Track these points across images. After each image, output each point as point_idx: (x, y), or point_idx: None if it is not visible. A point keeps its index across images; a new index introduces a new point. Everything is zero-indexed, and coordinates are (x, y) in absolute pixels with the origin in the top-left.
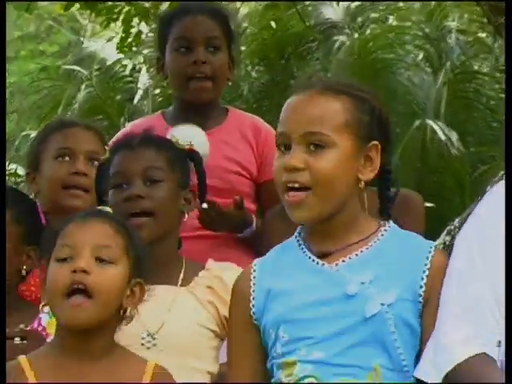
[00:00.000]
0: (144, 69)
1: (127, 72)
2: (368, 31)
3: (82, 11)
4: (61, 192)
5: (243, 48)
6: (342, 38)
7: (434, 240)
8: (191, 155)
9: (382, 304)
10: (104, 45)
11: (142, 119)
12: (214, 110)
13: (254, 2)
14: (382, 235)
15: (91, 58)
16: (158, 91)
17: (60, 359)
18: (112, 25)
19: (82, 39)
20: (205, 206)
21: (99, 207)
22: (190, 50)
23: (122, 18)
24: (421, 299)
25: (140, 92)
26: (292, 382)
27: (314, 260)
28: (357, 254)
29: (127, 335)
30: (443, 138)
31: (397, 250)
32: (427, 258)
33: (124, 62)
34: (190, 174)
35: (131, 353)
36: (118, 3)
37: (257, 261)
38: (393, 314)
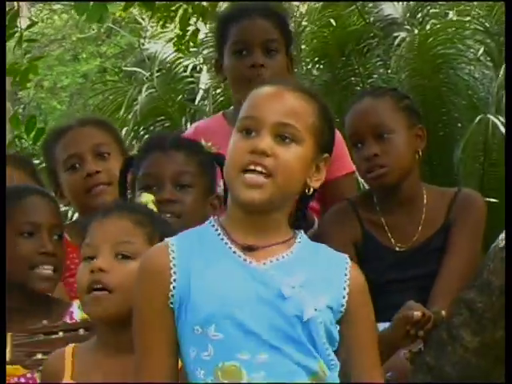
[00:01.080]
0: (205, 69)
1: (188, 73)
2: (428, 27)
3: (141, 10)
4: (85, 196)
5: (303, 46)
6: (402, 34)
7: (496, 235)
8: (218, 159)
9: (315, 309)
10: (164, 46)
11: (204, 121)
12: None
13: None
14: (299, 242)
15: (152, 59)
16: (218, 91)
17: (97, 351)
18: (171, 26)
19: (142, 41)
20: None
21: (142, 197)
22: (247, 53)
23: (179, 16)
24: (342, 309)
25: (201, 92)
26: None
27: (239, 255)
28: (283, 256)
29: None
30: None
31: (315, 259)
32: (346, 269)
33: (185, 63)
34: (216, 178)
35: None
36: (175, 2)
37: (172, 239)
38: (322, 319)
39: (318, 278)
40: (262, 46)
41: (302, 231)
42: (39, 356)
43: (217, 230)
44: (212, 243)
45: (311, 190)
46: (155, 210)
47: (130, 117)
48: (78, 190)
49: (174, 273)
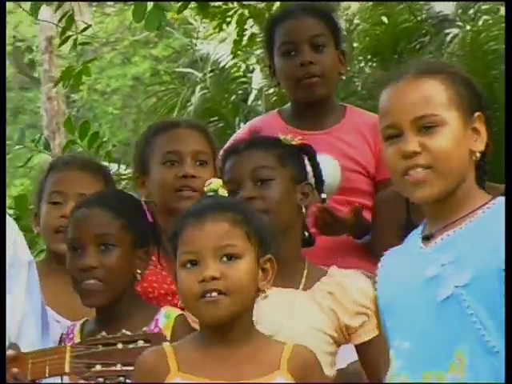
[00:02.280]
0: (258, 69)
1: (241, 73)
2: (480, 23)
3: (194, 13)
4: (173, 195)
5: (355, 44)
6: (453, 30)
7: None
8: (304, 149)
9: (456, 286)
10: (217, 46)
11: (260, 118)
12: (330, 108)
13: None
14: (483, 212)
15: (204, 60)
16: (271, 91)
17: (201, 344)
18: (224, 25)
19: (194, 41)
20: (324, 196)
21: (209, 184)
22: (296, 52)
23: (235, 20)
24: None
25: (254, 92)
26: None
27: (419, 245)
28: (454, 231)
29: None
30: None
31: (491, 225)
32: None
33: (237, 63)
34: (304, 168)
35: (268, 337)
36: (231, 6)
37: (390, 249)
38: (469, 295)
39: (477, 246)
40: (309, 43)
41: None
42: (98, 367)
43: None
44: (413, 238)
45: (477, 154)
46: (226, 194)
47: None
48: (167, 185)
49: (378, 279)
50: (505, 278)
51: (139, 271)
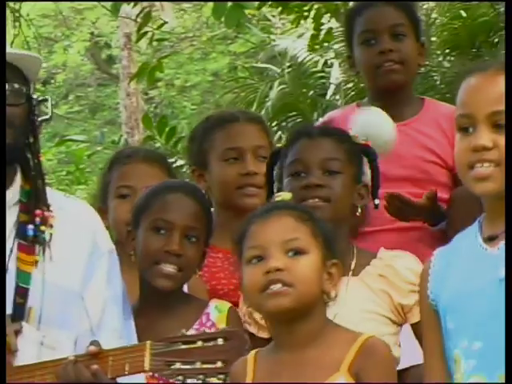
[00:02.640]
0: (336, 64)
1: (319, 67)
2: None
3: (272, 9)
4: (235, 193)
5: (434, 38)
6: None
7: None
8: (366, 150)
9: None
10: (294, 42)
11: (339, 110)
12: (408, 99)
13: None
14: None
15: (282, 55)
16: (350, 85)
17: (274, 352)
18: (302, 21)
19: (272, 37)
20: (377, 201)
21: (278, 196)
22: (375, 41)
23: (312, 15)
24: None
25: (332, 87)
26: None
27: (480, 245)
28: None
29: None
30: None
31: None
32: None
33: (315, 58)
34: (364, 169)
35: (344, 329)
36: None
37: (439, 249)
38: None
39: None
40: (388, 32)
41: None
42: (178, 365)
43: (479, 222)
44: (470, 238)
45: None
46: None
47: (261, 113)
48: (229, 183)
49: (431, 279)
50: (505, 278)
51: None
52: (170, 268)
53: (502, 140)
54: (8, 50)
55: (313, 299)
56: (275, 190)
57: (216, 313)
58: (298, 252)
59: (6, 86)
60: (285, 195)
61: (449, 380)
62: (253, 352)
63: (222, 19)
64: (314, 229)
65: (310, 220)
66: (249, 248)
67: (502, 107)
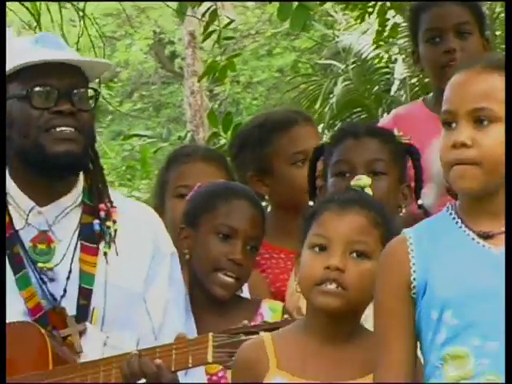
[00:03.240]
0: (400, 59)
1: (383, 63)
2: None
3: (335, 5)
4: (305, 195)
5: (498, 32)
6: None
7: None
8: (410, 150)
9: None
10: (359, 37)
11: (404, 106)
12: None
13: None
14: None
15: (346, 51)
16: (414, 81)
17: (303, 339)
18: (366, 16)
19: (336, 33)
20: (420, 202)
21: (358, 179)
22: (440, 39)
23: (376, 10)
24: None
25: (397, 82)
26: (465, 379)
27: (478, 242)
28: None
29: None
30: None
31: None
32: None
33: (380, 54)
34: (407, 168)
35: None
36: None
37: (409, 231)
38: None
39: None
40: (454, 30)
41: None
42: None
43: (451, 214)
44: (450, 230)
45: None
46: (371, 194)
47: (326, 110)
48: (300, 186)
49: (414, 264)
50: (505, 278)
51: None
52: (228, 278)
53: (483, 139)
54: (78, 56)
55: (364, 304)
56: (319, 186)
57: (270, 313)
58: (362, 255)
59: (74, 91)
60: (365, 180)
61: (414, 360)
62: (268, 335)
63: (288, 21)
64: (384, 234)
65: (383, 225)
66: (315, 234)
67: (485, 104)
